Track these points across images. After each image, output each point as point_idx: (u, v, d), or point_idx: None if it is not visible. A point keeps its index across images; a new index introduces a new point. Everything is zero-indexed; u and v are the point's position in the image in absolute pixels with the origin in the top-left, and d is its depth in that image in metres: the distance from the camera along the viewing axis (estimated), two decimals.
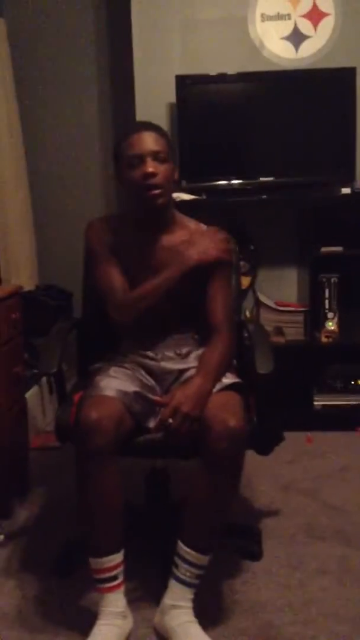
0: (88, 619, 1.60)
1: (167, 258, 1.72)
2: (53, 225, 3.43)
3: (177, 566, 1.53)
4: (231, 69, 2.86)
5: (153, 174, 1.64)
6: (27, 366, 2.55)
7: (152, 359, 1.77)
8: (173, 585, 1.54)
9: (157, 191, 1.66)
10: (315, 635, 1.54)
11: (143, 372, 1.75)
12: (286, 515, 2.14)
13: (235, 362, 1.83)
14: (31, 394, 2.68)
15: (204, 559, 1.53)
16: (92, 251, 1.79)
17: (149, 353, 1.77)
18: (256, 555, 1.88)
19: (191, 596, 1.54)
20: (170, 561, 1.55)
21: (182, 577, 1.53)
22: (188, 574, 1.52)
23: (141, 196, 1.67)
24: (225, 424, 1.45)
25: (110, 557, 1.50)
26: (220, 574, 1.76)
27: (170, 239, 1.76)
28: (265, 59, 2.95)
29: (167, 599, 1.54)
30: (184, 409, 1.50)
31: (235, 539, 1.92)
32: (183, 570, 1.52)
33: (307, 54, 2.96)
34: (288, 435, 2.06)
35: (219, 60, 2.93)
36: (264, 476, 2.40)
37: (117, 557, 1.51)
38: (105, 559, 1.50)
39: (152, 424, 1.62)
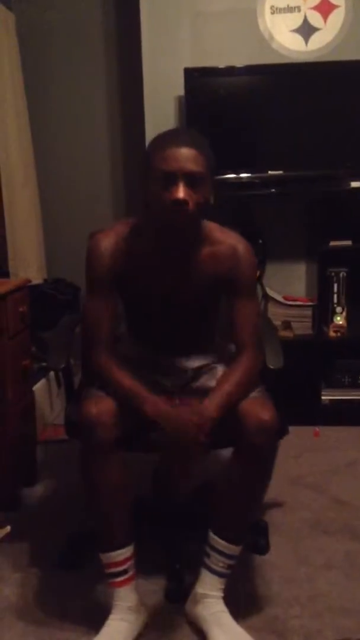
0: (94, 612, 1.61)
1: (184, 277, 1.61)
2: (61, 219, 3.43)
3: (208, 556, 1.55)
4: (240, 62, 2.84)
5: (184, 202, 1.43)
6: (34, 360, 2.56)
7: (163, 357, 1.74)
8: (204, 574, 1.55)
9: (184, 220, 1.47)
10: (321, 629, 1.54)
11: (154, 371, 1.71)
12: (293, 510, 2.14)
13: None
14: (39, 387, 2.69)
15: (235, 549, 1.54)
16: (91, 276, 1.61)
17: (160, 356, 1.73)
18: (263, 549, 1.89)
19: (222, 586, 1.55)
20: (203, 552, 1.56)
21: (213, 566, 1.54)
22: (220, 564, 1.53)
23: (165, 218, 1.48)
24: (259, 417, 1.45)
25: (119, 551, 1.51)
26: (233, 568, 1.76)
27: (189, 259, 1.60)
28: (275, 52, 2.93)
29: (199, 588, 1.56)
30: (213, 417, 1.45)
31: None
32: (214, 560, 1.54)
33: (317, 46, 2.93)
34: (295, 429, 2.04)
35: (228, 52, 2.91)
36: None
37: (127, 551, 1.52)
38: (114, 553, 1.51)
39: None
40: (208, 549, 1.55)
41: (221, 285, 1.63)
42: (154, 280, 1.62)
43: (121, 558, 1.51)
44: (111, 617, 1.51)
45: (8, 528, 0.90)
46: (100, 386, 1.56)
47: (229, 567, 1.55)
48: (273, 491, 2.26)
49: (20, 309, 2.18)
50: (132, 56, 3.04)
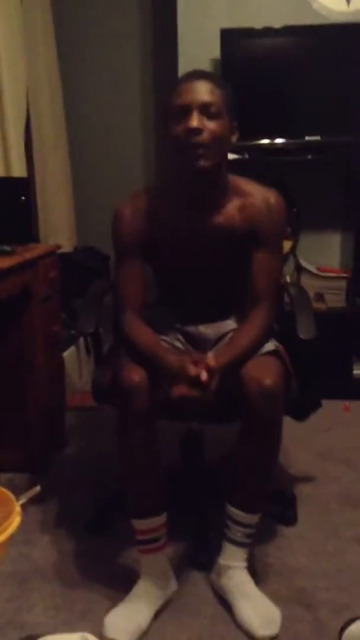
0: (121, 576, 1.62)
1: (215, 232, 1.57)
2: (92, 187, 3.40)
3: (228, 527, 1.55)
4: (278, 23, 2.73)
5: (197, 130, 1.42)
6: (64, 327, 2.56)
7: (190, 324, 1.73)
8: (226, 546, 1.56)
9: (200, 151, 1.43)
10: (348, 603, 1.53)
11: (180, 336, 1.72)
12: (322, 483, 2.12)
13: (275, 326, 1.79)
14: (68, 355, 2.70)
15: (253, 518, 1.53)
16: (117, 247, 1.63)
17: (187, 323, 1.72)
18: (290, 521, 1.88)
19: (245, 555, 1.55)
20: (223, 524, 1.56)
21: (233, 537, 1.54)
22: (239, 534, 1.53)
23: (181, 157, 1.46)
24: (261, 383, 1.43)
25: (153, 519, 1.51)
26: (254, 538, 1.75)
27: (221, 209, 1.57)
28: (315, 12, 2.81)
29: (222, 560, 1.56)
30: (213, 366, 1.42)
31: (270, 503, 1.90)
32: (234, 531, 1.54)
33: (359, 6, 2.81)
34: (326, 403, 2.01)
35: (266, 13, 2.81)
36: (301, 443, 2.37)
37: (160, 519, 1.52)
38: (147, 520, 1.51)
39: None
40: (227, 521, 1.55)
41: (252, 239, 1.57)
42: (182, 239, 1.60)
43: (154, 525, 1.51)
44: (139, 582, 1.52)
45: (38, 488, 0.90)
46: (127, 351, 1.56)
47: (249, 536, 1.54)
48: (302, 464, 2.24)
49: (51, 275, 2.16)
50: (167, 16, 2.96)
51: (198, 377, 1.39)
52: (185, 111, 1.43)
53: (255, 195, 1.58)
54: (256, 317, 1.57)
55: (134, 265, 1.60)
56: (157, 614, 1.49)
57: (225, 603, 1.53)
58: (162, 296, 1.80)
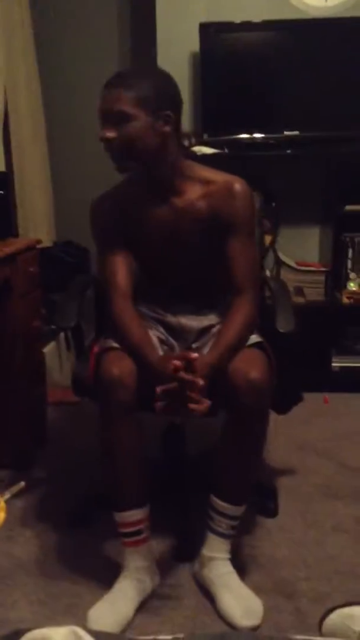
0: (104, 570, 1.63)
1: (181, 218, 1.60)
2: (71, 181, 3.38)
3: (212, 519, 1.55)
4: (257, 17, 2.74)
5: (106, 140, 1.50)
6: (44, 322, 2.54)
7: (169, 313, 1.73)
8: (209, 537, 1.57)
9: (115, 155, 1.52)
10: (329, 592, 1.55)
11: (162, 329, 1.72)
12: (302, 475, 2.14)
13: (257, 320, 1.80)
14: (49, 350, 2.69)
15: (237, 510, 1.54)
16: (98, 238, 1.67)
17: (166, 312, 1.73)
18: (271, 512, 1.90)
19: (228, 547, 1.57)
20: (206, 516, 1.57)
21: (217, 529, 1.55)
22: (223, 525, 1.55)
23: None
24: (247, 377, 1.44)
25: (134, 512, 1.51)
26: (237, 529, 1.77)
27: (183, 195, 1.59)
28: (293, 7, 2.82)
29: (205, 551, 1.57)
30: (202, 372, 1.39)
31: (251, 495, 1.92)
32: (218, 522, 1.55)
33: (337, 2, 2.82)
34: (305, 396, 2.03)
35: (245, 7, 2.81)
36: (280, 435, 2.39)
37: (142, 512, 1.52)
38: (129, 513, 1.51)
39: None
40: (211, 512, 1.56)
41: (220, 226, 1.58)
42: (153, 228, 1.62)
43: (135, 518, 1.52)
44: (123, 575, 1.53)
45: (22, 484, 0.90)
46: (115, 340, 1.57)
47: (233, 528, 1.56)
48: (282, 456, 2.27)
49: (31, 269, 2.15)
50: (146, 10, 2.94)
51: (182, 380, 1.36)
52: (101, 119, 1.52)
53: (218, 182, 1.59)
54: (239, 310, 1.56)
55: (118, 252, 1.62)
56: (140, 606, 1.50)
57: (207, 594, 1.54)
58: (141, 286, 1.79)
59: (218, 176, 1.61)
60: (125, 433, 1.47)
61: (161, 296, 1.75)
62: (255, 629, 1.44)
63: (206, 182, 1.60)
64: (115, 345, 1.55)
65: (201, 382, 1.37)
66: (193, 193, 1.59)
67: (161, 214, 1.61)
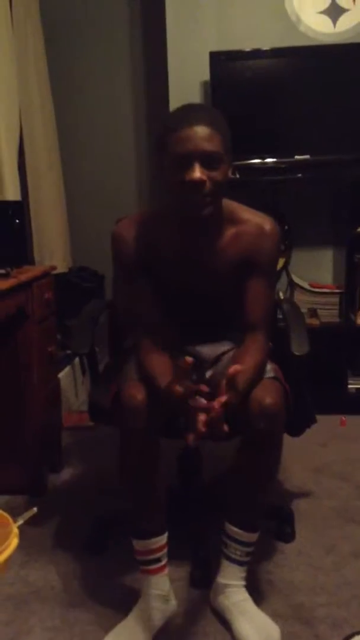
0: (120, 596, 1.62)
1: (208, 256, 1.56)
2: (84, 207, 3.43)
3: (226, 545, 1.54)
4: (267, 45, 2.79)
5: (201, 182, 1.38)
6: (60, 347, 2.57)
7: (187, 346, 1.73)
8: (224, 564, 1.55)
9: (203, 201, 1.41)
10: (348, 618, 1.53)
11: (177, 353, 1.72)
12: (319, 498, 2.12)
13: (271, 345, 1.80)
14: (64, 375, 2.70)
15: (252, 537, 1.53)
16: (121, 268, 1.60)
17: (183, 345, 1.72)
18: (288, 537, 1.88)
19: (243, 574, 1.55)
20: (221, 542, 1.56)
21: (232, 555, 1.54)
22: (238, 552, 1.53)
23: (185, 201, 1.42)
24: (262, 402, 1.42)
25: (155, 539, 1.51)
26: (252, 556, 1.75)
27: (215, 238, 1.55)
28: (302, 34, 2.87)
29: (220, 579, 1.55)
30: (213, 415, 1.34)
31: (268, 519, 1.90)
32: (232, 549, 1.54)
33: (345, 28, 2.87)
34: (322, 418, 2.01)
35: (254, 36, 2.86)
36: (297, 458, 2.38)
37: (162, 540, 1.52)
38: (149, 541, 1.50)
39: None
40: (225, 539, 1.54)
41: (245, 265, 1.55)
42: (177, 266, 1.58)
43: (156, 546, 1.51)
44: (140, 602, 1.51)
45: (35, 509, 0.91)
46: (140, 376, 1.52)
47: (247, 554, 1.54)
48: (299, 479, 2.25)
49: (46, 296, 2.18)
50: (157, 40, 3.02)
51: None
52: (187, 161, 1.38)
53: (250, 223, 1.56)
54: (254, 347, 1.52)
55: (141, 284, 1.58)
56: (156, 633, 1.49)
57: (224, 621, 1.52)
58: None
59: (249, 216, 1.57)
60: (146, 461, 1.46)
61: (176, 325, 1.73)
62: None
63: (238, 222, 1.56)
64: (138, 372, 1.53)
65: (225, 426, 1.31)
66: (225, 235, 1.55)
67: (187, 257, 1.57)
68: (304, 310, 2.82)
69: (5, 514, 0.84)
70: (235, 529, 1.53)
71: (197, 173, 1.37)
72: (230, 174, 1.47)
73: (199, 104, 1.59)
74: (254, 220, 1.56)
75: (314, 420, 1.96)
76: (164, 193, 1.51)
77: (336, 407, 2.76)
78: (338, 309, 2.91)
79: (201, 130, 1.38)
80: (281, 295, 2.99)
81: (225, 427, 1.31)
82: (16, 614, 1.58)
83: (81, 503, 2.12)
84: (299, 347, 1.69)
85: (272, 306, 1.65)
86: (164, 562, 1.53)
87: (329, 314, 2.91)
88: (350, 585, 1.65)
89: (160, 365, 1.48)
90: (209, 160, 1.38)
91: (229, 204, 1.57)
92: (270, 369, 1.59)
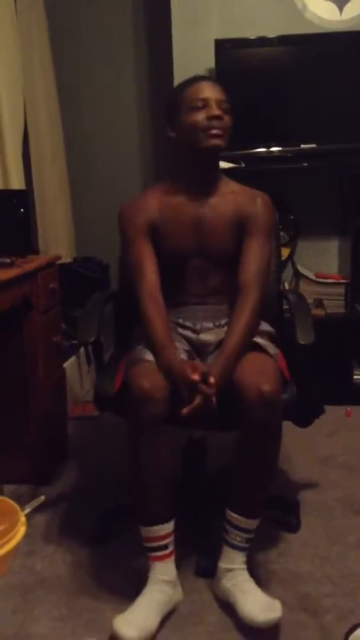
0: (126, 584, 1.62)
1: (209, 212, 1.72)
2: (89, 198, 3.42)
3: (227, 532, 1.57)
4: (272, 33, 2.76)
5: (219, 117, 1.64)
6: (65, 337, 2.56)
7: (191, 330, 1.75)
8: (225, 550, 1.57)
9: (218, 132, 1.65)
10: (353, 609, 1.52)
11: (184, 341, 1.73)
12: (325, 489, 2.12)
13: (274, 330, 1.80)
14: (69, 365, 2.70)
15: (252, 523, 1.55)
16: (126, 232, 1.74)
17: (188, 323, 1.75)
18: (294, 527, 1.88)
19: (244, 559, 1.57)
20: (222, 529, 1.58)
21: (232, 542, 1.56)
22: (238, 538, 1.55)
23: (200, 138, 1.65)
24: (260, 390, 1.43)
25: (162, 526, 1.52)
26: (257, 545, 1.74)
27: (217, 200, 1.74)
28: (308, 22, 2.84)
29: (222, 564, 1.58)
30: (215, 380, 1.49)
31: (273, 510, 1.90)
32: (233, 536, 1.56)
33: (352, 15, 2.83)
34: (327, 409, 2.02)
35: (259, 23, 2.83)
36: (302, 449, 2.37)
37: (168, 527, 1.53)
38: (156, 528, 1.52)
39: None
40: (226, 525, 1.57)
41: (242, 226, 1.71)
42: (182, 227, 1.72)
43: (163, 533, 1.52)
44: (148, 587, 1.52)
45: (42, 497, 0.91)
46: (141, 328, 1.64)
47: (248, 540, 1.57)
48: (304, 470, 2.24)
49: (51, 285, 2.17)
50: (162, 27, 2.99)
51: (196, 384, 1.47)
52: (205, 103, 1.65)
53: (245, 192, 1.77)
54: (244, 307, 1.63)
55: (146, 244, 1.70)
56: (161, 621, 1.49)
57: (228, 609, 1.53)
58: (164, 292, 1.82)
59: (244, 188, 1.79)
60: (155, 448, 1.47)
61: (181, 305, 1.76)
62: (275, 623, 1.43)
63: (235, 190, 1.77)
64: (147, 357, 1.56)
65: (214, 400, 1.48)
66: (223, 197, 1.75)
67: (192, 211, 1.72)
68: (309, 300, 2.82)
69: (13, 503, 0.84)
70: (236, 516, 1.54)
71: (217, 110, 1.64)
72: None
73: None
74: (249, 190, 1.79)
75: (323, 411, 1.96)
76: (173, 143, 1.73)
77: (342, 398, 2.75)
78: (344, 300, 2.90)
79: (215, 84, 1.69)
80: (286, 285, 2.97)
81: (214, 402, 1.48)
82: (23, 603, 1.59)
83: (86, 492, 2.13)
84: (304, 336, 1.69)
85: (267, 269, 1.73)
86: (170, 549, 1.54)
87: (335, 304, 2.90)
88: (356, 576, 1.65)
89: (166, 335, 1.59)
90: (221, 106, 1.66)
91: (226, 179, 1.80)
92: (272, 348, 1.64)
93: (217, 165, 1.77)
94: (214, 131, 1.64)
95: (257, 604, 1.47)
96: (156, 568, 1.53)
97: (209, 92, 1.66)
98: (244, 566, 1.56)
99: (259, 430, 1.46)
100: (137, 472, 1.52)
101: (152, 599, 1.49)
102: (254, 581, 1.55)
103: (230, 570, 1.55)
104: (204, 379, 1.49)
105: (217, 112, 1.63)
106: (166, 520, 1.52)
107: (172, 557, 1.55)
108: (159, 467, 1.49)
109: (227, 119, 1.66)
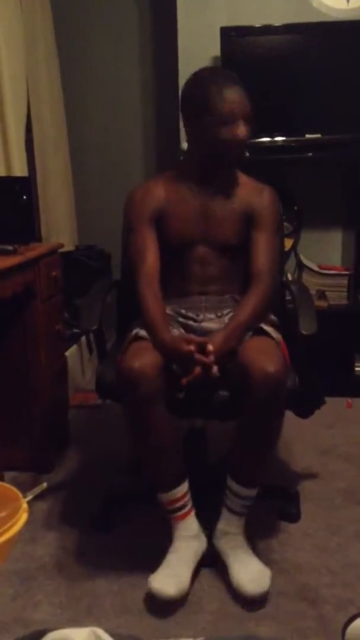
0: (126, 571, 1.63)
1: (216, 203, 1.75)
2: (93, 186, 3.41)
3: (227, 497, 1.63)
4: (278, 21, 2.73)
5: (244, 140, 1.65)
6: (67, 326, 2.56)
7: (193, 319, 1.75)
8: (224, 512, 1.63)
9: (242, 152, 1.71)
10: (353, 599, 1.53)
11: (183, 331, 1.73)
12: (325, 479, 2.12)
13: (277, 319, 1.80)
14: (71, 353, 2.70)
15: (249, 492, 1.60)
16: (131, 218, 1.78)
17: (190, 314, 1.76)
18: (294, 517, 1.88)
19: (241, 523, 1.63)
20: (222, 492, 1.64)
21: (231, 506, 1.62)
22: (236, 504, 1.62)
23: (222, 153, 1.68)
24: (264, 370, 1.46)
25: (178, 489, 1.59)
26: (257, 533, 1.76)
27: (226, 194, 1.76)
28: (315, 10, 2.81)
29: (220, 524, 1.63)
30: (214, 348, 1.53)
31: (273, 499, 1.91)
32: (232, 501, 1.62)
33: (359, 4, 2.81)
34: (328, 400, 2.01)
35: (265, 11, 2.81)
36: (303, 440, 2.37)
37: (184, 487, 1.60)
38: (173, 492, 1.58)
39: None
40: (227, 491, 1.62)
41: (249, 218, 1.75)
42: (189, 212, 1.74)
43: (180, 494, 1.59)
44: (175, 545, 1.58)
45: (45, 484, 0.91)
46: (138, 312, 1.67)
47: (246, 507, 1.62)
48: (305, 460, 2.25)
49: (53, 273, 2.17)
50: (167, 14, 2.96)
51: (191, 354, 1.50)
52: (233, 118, 1.63)
53: (251, 184, 1.81)
54: (254, 294, 1.68)
55: (150, 231, 1.74)
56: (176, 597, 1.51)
57: (228, 598, 1.53)
58: (167, 282, 1.82)
59: (251, 181, 1.83)
60: (155, 423, 1.51)
61: (184, 295, 1.78)
62: (262, 595, 1.49)
63: (242, 183, 1.80)
64: (142, 333, 1.61)
65: (215, 368, 1.51)
66: (232, 190, 1.77)
67: (201, 203, 1.75)
68: (312, 292, 2.80)
69: (15, 489, 0.84)
70: (235, 484, 1.60)
71: (243, 131, 1.64)
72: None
73: (219, 68, 1.82)
74: (256, 183, 1.82)
75: (323, 402, 1.96)
76: (191, 142, 1.75)
77: (343, 389, 2.75)
78: (347, 291, 2.89)
79: (242, 94, 1.66)
80: (289, 276, 2.96)
81: (215, 370, 1.50)
82: (23, 589, 1.59)
83: (87, 480, 2.13)
84: (307, 326, 1.69)
85: (276, 260, 1.80)
86: (189, 506, 1.61)
87: (337, 296, 2.90)
88: (355, 567, 1.66)
89: (159, 314, 1.63)
90: (247, 119, 1.65)
91: (238, 171, 1.81)
92: (274, 334, 1.67)
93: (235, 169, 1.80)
94: (237, 152, 1.68)
95: (247, 575, 1.52)
96: (180, 526, 1.60)
97: (238, 105, 1.63)
98: (240, 530, 1.62)
99: (262, 409, 1.49)
100: (142, 448, 1.57)
101: (181, 555, 1.56)
102: (250, 546, 1.61)
103: (227, 533, 1.61)
104: (202, 349, 1.52)
105: (242, 133, 1.63)
106: (180, 482, 1.59)
107: (192, 513, 1.61)
108: (162, 439, 1.54)
109: (249, 130, 1.66)
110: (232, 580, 1.54)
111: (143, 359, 1.49)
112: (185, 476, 1.61)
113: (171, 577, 1.51)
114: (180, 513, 1.60)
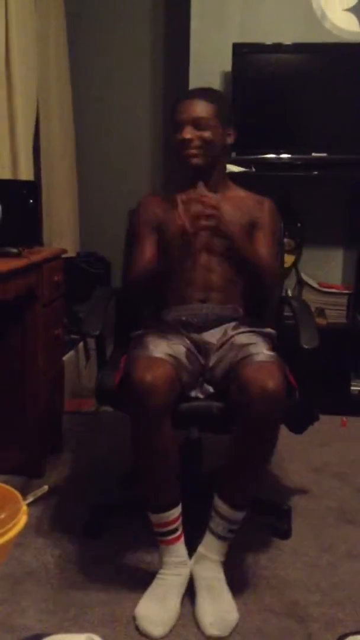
0: (115, 579, 1.62)
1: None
2: (96, 194, 3.42)
3: (212, 519, 1.58)
4: (291, 40, 2.77)
5: (188, 141, 1.74)
6: (65, 331, 2.56)
7: (194, 328, 1.76)
8: (207, 536, 1.59)
9: (192, 152, 1.75)
10: (342, 619, 1.52)
11: (186, 340, 1.74)
12: (317, 497, 2.11)
13: (275, 332, 1.82)
14: (67, 359, 2.70)
15: (237, 515, 1.56)
16: (134, 228, 1.90)
17: (191, 321, 1.77)
18: (285, 534, 1.87)
19: (223, 550, 1.58)
20: (208, 515, 1.60)
21: (215, 529, 1.58)
22: (220, 527, 1.57)
23: (180, 157, 1.78)
24: (264, 386, 1.44)
25: (171, 512, 1.55)
26: (248, 548, 1.75)
27: (225, 200, 1.76)
28: (326, 31, 2.85)
29: (200, 548, 1.60)
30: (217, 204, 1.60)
31: (265, 515, 1.90)
32: (216, 523, 1.57)
33: None
34: (323, 418, 2.02)
35: (278, 30, 2.85)
36: (297, 457, 2.37)
37: (177, 511, 1.57)
38: (166, 514, 1.55)
39: (194, 394, 1.65)
40: (212, 512, 1.58)
41: (250, 227, 1.82)
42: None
43: (172, 518, 1.55)
44: (163, 572, 1.55)
45: (46, 488, 0.91)
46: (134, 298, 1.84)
47: (230, 531, 1.57)
48: (298, 478, 2.24)
49: (55, 278, 2.17)
50: (180, 29, 2.99)
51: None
52: (180, 125, 1.75)
53: (252, 198, 1.89)
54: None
55: (148, 240, 1.84)
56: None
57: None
58: (168, 291, 1.84)
59: (249, 193, 1.90)
60: (160, 438, 1.49)
61: (185, 305, 1.79)
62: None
63: (241, 197, 1.88)
64: (148, 353, 1.57)
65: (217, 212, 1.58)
66: (232, 198, 1.83)
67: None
68: (311, 309, 2.82)
69: (16, 492, 0.83)
70: (223, 505, 1.56)
71: (185, 133, 1.74)
72: (229, 140, 1.82)
73: (203, 87, 1.92)
74: (255, 196, 1.90)
75: (317, 418, 1.95)
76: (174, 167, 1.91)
77: (338, 407, 2.76)
78: (346, 310, 2.90)
79: (195, 102, 1.76)
80: (289, 292, 2.98)
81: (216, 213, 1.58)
82: (10, 594, 1.58)
83: (78, 487, 2.12)
84: (308, 340, 1.69)
85: (276, 257, 1.88)
86: (179, 531, 1.57)
87: (337, 314, 2.91)
88: (345, 586, 1.65)
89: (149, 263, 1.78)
90: (198, 124, 1.74)
91: (232, 185, 1.90)
92: (269, 354, 1.61)
93: (216, 175, 1.83)
94: (187, 152, 1.75)
95: (213, 614, 1.47)
96: (169, 551, 1.56)
97: (184, 113, 1.74)
98: (221, 558, 1.58)
99: (258, 425, 1.47)
100: (143, 463, 1.54)
101: (170, 586, 1.53)
102: (225, 580, 1.56)
103: (205, 558, 1.57)
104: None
105: (185, 135, 1.73)
106: (174, 506, 1.56)
107: (182, 538, 1.58)
108: (164, 457, 1.51)
109: (206, 134, 1.74)
110: (196, 615, 1.49)
111: (155, 372, 1.47)
112: (179, 500, 1.57)
113: (159, 612, 1.47)
114: (170, 537, 1.57)
